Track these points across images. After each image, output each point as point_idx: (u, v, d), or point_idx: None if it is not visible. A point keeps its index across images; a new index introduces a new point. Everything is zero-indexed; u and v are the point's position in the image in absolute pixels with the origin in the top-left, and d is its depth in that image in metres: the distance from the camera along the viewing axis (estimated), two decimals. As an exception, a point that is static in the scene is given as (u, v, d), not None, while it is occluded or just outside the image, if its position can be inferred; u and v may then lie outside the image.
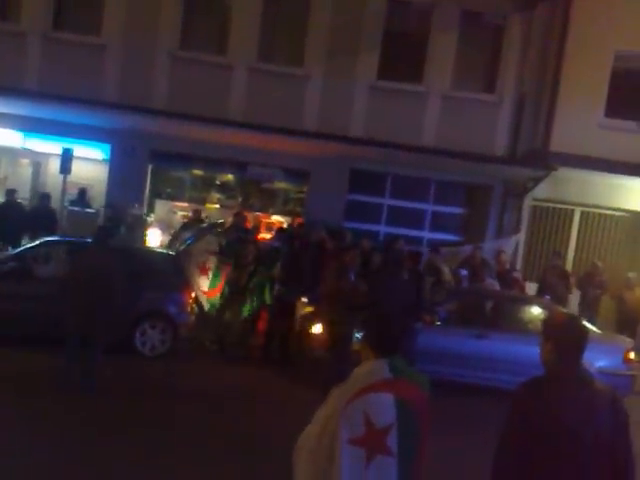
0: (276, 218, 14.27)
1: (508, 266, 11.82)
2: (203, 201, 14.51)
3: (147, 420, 6.72)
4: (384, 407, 2.95)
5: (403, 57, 13.86)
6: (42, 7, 12.99)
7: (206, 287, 10.12)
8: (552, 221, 14.25)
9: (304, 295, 9.52)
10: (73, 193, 13.08)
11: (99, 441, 5.98)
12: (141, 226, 12.34)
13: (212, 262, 10.08)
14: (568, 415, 2.90)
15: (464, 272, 10.86)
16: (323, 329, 8.57)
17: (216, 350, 9.65)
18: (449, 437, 6.34)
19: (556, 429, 2.90)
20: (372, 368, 3.08)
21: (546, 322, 3.34)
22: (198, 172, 14.65)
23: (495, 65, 13.89)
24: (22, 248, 9.87)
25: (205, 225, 11.92)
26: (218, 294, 9.85)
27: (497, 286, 10.74)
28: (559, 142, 13.07)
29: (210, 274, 10.11)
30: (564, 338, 3.09)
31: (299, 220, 12.77)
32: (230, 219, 11.93)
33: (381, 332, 3.16)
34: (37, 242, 9.67)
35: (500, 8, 13.74)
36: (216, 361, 9.30)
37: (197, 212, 12.91)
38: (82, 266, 7.48)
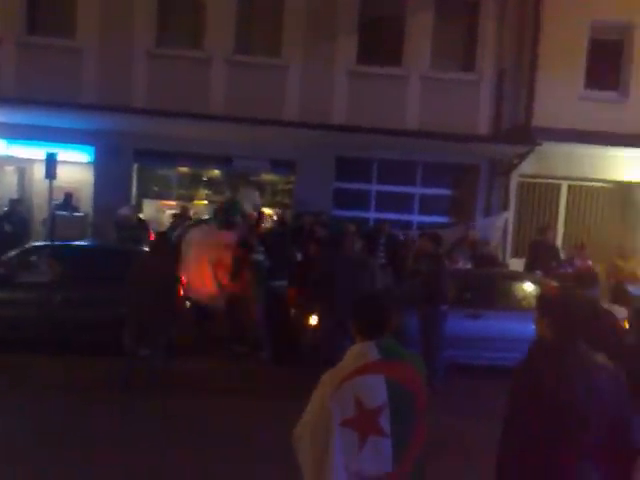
0: (265, 210, 14.19)
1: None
2: (191, 198, 14.45)
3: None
4: (374, 388, 2.96)
5: (381, 40, 13.82)
6: (15, 12, 12.89)
7: (225, 280, 9.60)
8: (540, 196, 14.31)
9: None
10: (60, 198, 13.02)
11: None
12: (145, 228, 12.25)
13: (229, 257, 9.55)
14: (568, 392, 2.89)
15: None
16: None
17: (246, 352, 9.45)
18: (451, 416, 6.45)
19: (556, 406, 2.90)
20: (361, 350, 3.09)
21: (541, 297, 3.30)
22: (184, 169, 14.59)
23: (473, 43, 13.85)
24: (9, 255, 9.85)
25: (192, 222, 11.74)
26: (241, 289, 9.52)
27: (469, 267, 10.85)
28: (542, 117, 13.11)
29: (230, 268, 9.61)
30: (561, 313, 3.06)
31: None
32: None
33: (366, 314, 3.18)
34: (22, 248, 9.73)
35: (474, -15, 13.73)
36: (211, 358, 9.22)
37: (185, 209, 12.82)
38: (144, 271, 7.50)
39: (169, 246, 8.36)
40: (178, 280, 7.99)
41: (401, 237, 11.76)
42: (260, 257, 9.32)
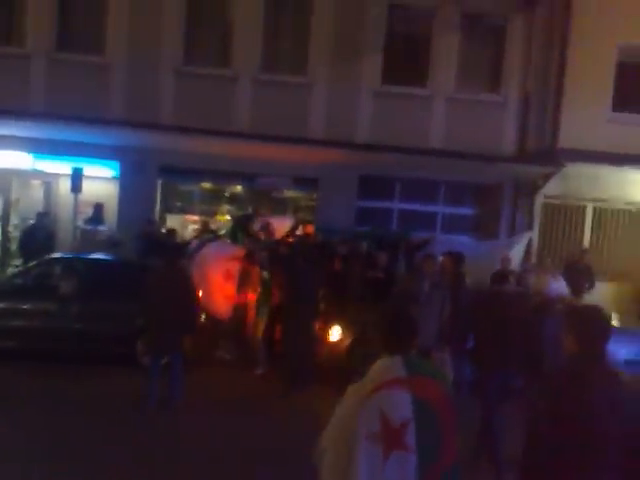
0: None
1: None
2: (214, 213, 14.53)
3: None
4: (399, 404, 2.95)
5: (407, 61, 13.92)
6: (45, 29, 13.13)
7: (232, 292, 9.70)
8: (565, 218, 14.16)
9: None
10: (86, 212, 13.17)
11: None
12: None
13: (237, 268, 9.71)
14: (592, 409, 2.89)
15: None
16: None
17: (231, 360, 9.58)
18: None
19: (581, 422, 2.90)
20: (387, 365, 3.08)
21: (568, 314, 3.32)
22: (207, 185, 14.70)
23: (498, 65, 13.92)
24: (25, 266, 10.22)
25: (210, 235, 11.82)
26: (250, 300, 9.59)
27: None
28: (567, 138, 13.03)
29: (237, 280, 9.71)
30: (586, 330, 3.07)
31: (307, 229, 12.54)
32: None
33: (391, 329, 3.16)
34: (40, 260, 9.87)
35: (500, 9, 13.81)
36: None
37: (205, 224, 12.84)
38: (159, 286, 7.56)
39: (184, 258, 8.46)
40: (193, 291, 8.02)
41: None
42: (265, 274, 9.37)
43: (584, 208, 14.15)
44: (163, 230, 12.88)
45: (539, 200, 13.87)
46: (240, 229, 11.02)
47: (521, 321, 6.49)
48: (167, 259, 8.02)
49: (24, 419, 6.84)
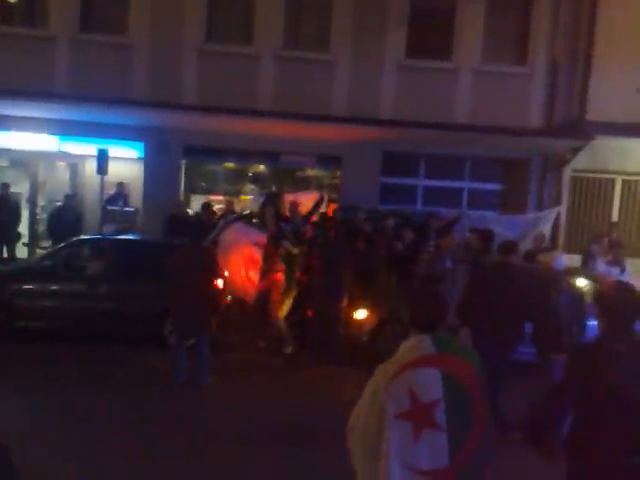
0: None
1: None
2: (237, 193, 14.57)
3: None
4: (429, 382, 2.93)
5: (431, 33, 13.60)
6: (69, 11, 13.10)
7: (255, 277, 9.67)
8: (593, 191, 13.94)
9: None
10: (111, 192, 13.27)
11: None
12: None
13: (260, 253, 9.66)
14: (621, 383, 2.92)
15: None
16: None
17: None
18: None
19: (604, 394, 2.96)
20: (416, 343, 3.05)
21: (597, 291, 3.41)
22: (231, 164, 14.73)
23: (525, 35, 13.58)
24: (54, 248, 10.38)
25: (234, 215, 11.85)
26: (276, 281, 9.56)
27: None
28: (596, 110, 12.78)
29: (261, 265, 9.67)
30: (614, 307, 3.12)
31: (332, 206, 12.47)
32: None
33: (419, 307, 3.13)
34: (68, 242, 10.03)
35: (527, -25, 13.47)
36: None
37: (230, 204, 12.93)
38: (183, 266, 7.58)
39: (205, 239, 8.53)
40: (217, 273, 8.05)
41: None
42: (290, 246, 9.32)
43: (613, 181, 13.91)
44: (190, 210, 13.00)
45: (567, 174, 13.66)
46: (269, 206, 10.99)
47: (524, 295, 6.28)
48: (192, 239, 8.06)
49: (52, 397, 6.96)
